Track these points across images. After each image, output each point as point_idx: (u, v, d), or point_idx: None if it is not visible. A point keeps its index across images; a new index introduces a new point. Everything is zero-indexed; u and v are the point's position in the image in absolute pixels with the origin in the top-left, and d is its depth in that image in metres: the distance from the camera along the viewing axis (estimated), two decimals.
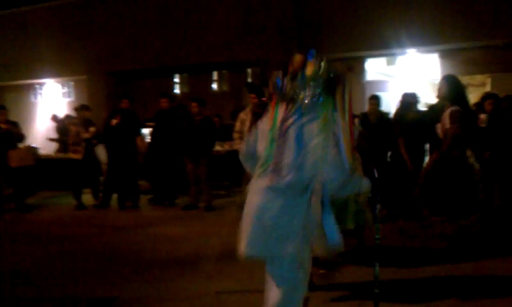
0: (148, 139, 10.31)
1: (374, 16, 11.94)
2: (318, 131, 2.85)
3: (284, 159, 2.88)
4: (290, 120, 2.92)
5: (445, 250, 5.81)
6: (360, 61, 13.07)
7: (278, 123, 2.96)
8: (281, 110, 2.98)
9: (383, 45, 12.02)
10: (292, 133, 2.89)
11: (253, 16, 13.08)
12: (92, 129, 9.62)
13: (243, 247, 2.91)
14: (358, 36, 12.18)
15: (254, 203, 2.92)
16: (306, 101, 2.93)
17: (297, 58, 3.03)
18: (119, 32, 15.02)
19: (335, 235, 2.88)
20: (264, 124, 3.10)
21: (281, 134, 2.92)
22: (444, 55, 12.24)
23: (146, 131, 10.56)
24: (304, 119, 2.90)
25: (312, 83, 2.96)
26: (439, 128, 5.67)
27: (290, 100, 2.97)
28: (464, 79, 11.92)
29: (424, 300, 4.40)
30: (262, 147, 3.04)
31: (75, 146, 9.57)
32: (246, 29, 13.18)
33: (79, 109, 10.02)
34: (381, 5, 11.89)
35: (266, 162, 2.95)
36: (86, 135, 9.53)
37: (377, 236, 3.34)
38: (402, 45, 11.67)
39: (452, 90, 5.51)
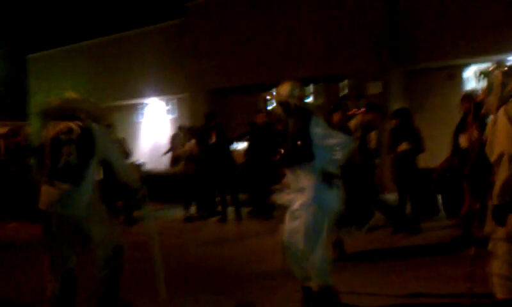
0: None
1: (475, 20, 11.43)
2: None
3: None
4: None
5: None
6: (461, 69, 12.55)
7: None
8: None
9: (485, 51, 11.46)
10: None
11: (346, 27, 13.01)
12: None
13: None
14: (457, 43, 11.71)
15: None
16: None
17: None
18: (217, 51, 15.56)
19: None
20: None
21: None
22: None
23: (243, 145, 10.95)
24: None
25: None
26: None
27: None
28: None
29: None
30: None
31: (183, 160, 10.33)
32: (340, 41, 13.14)
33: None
34: (483, 7, 11.36)
35: None
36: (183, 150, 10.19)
37: None
38: (507, 49, 11.06)
39: None
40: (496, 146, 3.25)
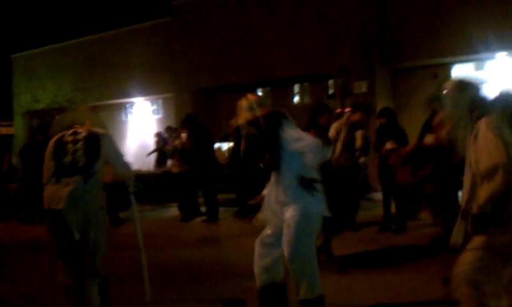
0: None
1: (460, 21, 11.54)
2: None
3: None
4: None
5: None
6: (446, 68, 12.66)
7: None
8: None
9: (470, 50, 11.58)
10: None
11: (333, 26, 13.05)
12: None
13: None
14: (443, 42, 11.82)
15: None
16: None
17: None
18: (204, 50, 15.52)
19: None
20: None
21: None
22: None
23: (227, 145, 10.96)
24: None
25: None
26: None
27: None
28: None
29: None
30: None
31: (173, 159, 10.28)
32: (327, 39, 13.17)
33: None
34: (467, 8, 11.47)
35: None
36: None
37: None
38: (490, 48, 11.17)
39: None
40: (485, 159, 3.17)
